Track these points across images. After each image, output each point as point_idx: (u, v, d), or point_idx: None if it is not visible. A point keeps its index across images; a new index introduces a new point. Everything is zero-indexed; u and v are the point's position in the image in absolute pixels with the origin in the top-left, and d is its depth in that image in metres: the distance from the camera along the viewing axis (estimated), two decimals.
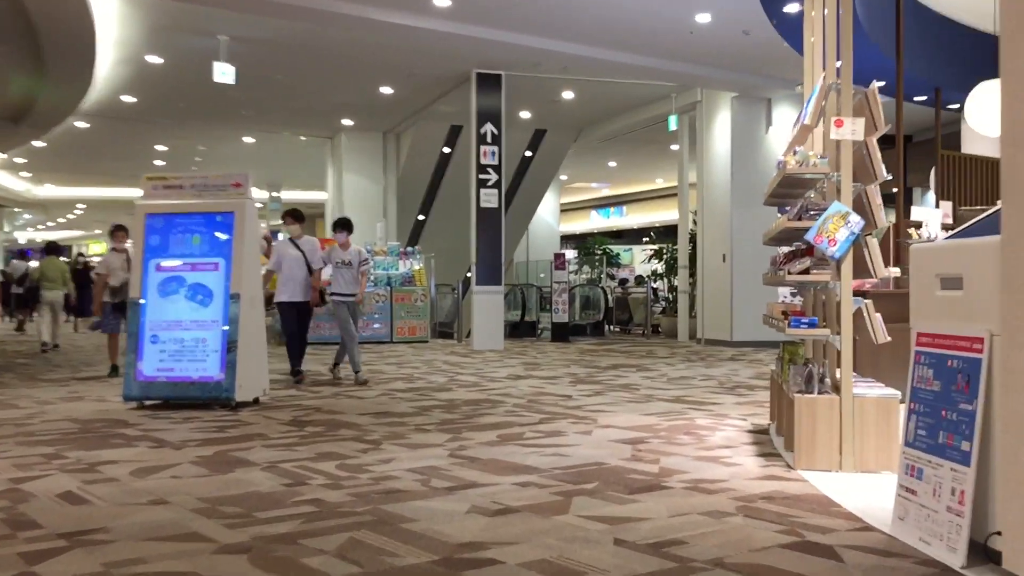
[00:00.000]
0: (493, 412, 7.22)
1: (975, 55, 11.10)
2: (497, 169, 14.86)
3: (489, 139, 14.86)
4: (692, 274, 17.16)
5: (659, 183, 29.11)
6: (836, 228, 4.77)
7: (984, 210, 10.70)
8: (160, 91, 16.11)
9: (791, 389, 5.06)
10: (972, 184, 11.21)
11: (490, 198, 14.86)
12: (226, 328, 7.40)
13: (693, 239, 17.02)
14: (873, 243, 4.82)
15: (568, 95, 16.67)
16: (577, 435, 6.07)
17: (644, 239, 29.89)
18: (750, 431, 6.26)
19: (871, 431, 4.76)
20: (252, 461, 5.13)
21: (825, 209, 4.83)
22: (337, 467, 4.97)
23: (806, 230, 4.86)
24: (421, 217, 22.12)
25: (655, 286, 20.46)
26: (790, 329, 4.89)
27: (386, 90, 16.26)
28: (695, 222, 16.99)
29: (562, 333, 16.98)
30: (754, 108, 15.21)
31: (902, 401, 4.04)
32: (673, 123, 16.46)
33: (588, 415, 7.01)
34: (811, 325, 4.89)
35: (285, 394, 8.45)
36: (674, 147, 19.61)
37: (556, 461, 5.11)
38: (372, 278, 16.39)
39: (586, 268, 24.02)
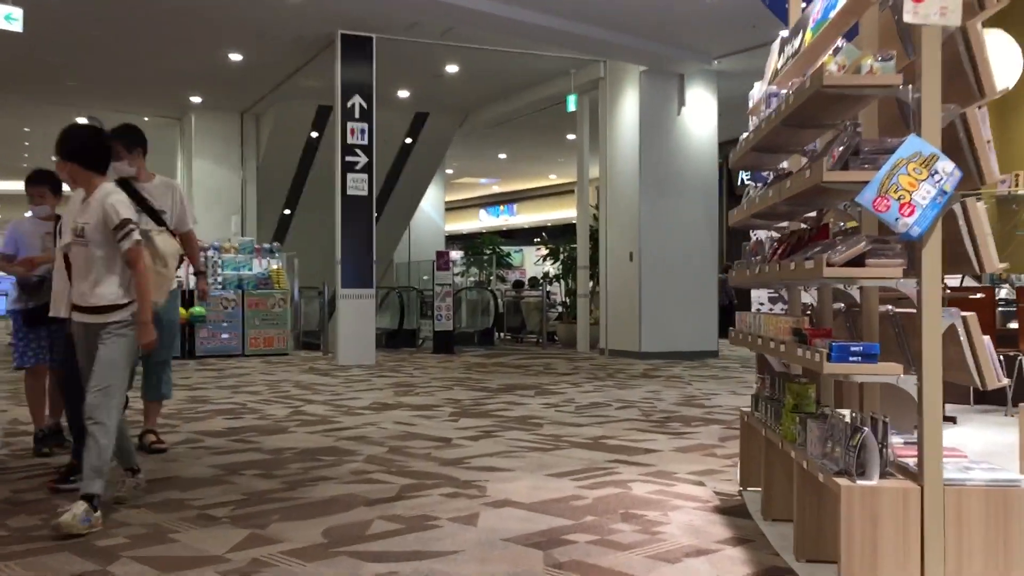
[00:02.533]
0: (334, 475, 4.88)
1: None
2: (367, 150, 12.47)
3: (357, 114, 12.46)
4: (593, 275, 15.15)
5: (552, 179, 27.20)
6: (914, 183, 2.66)
7: None
8: None
9: (821, 466, 2.94)
10: None
11: (359, 184, 12.45)
12: None
13: (594, 236, 15.00)
14: (978, 211, 2.74)
15: (452, 68, 14.41)
16: (455, 526, 3.80)
17: (536, 239, 27.92)
18: (719, 508, 4.12)
19: (977, 546, 2.66)
20: None
21: (893, 151, 2.71)
22: None
23: (855, 189, 2.73)
24: (287, 211, 19.49)
25: (550, 289, 18.39)
26: (832, 364, 2.74)
27: (235, 56, 13.64)
28: (596, 217, 14.99)
29: (445, 343, 14.68)
30: (665, 85, 13.26)
31: None
32: (572, 103, 14.40)
33: (473, 479, 4.76)
34: (868, 357, 2.74)
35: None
36: (571, 136, 17.63)
37: None
38: (218, 280, 13.75)
39: (474, 270, 21.81)
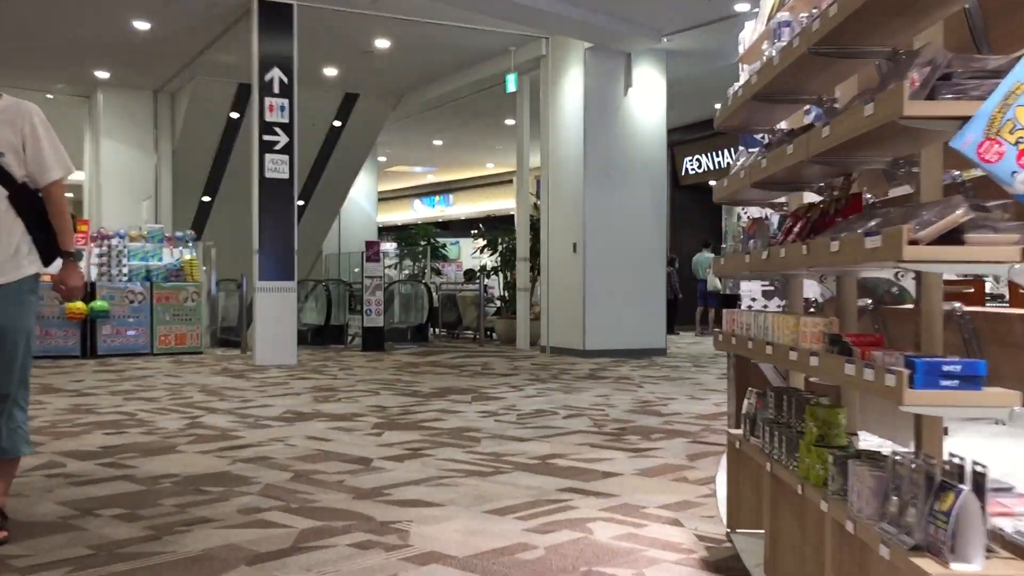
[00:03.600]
0: (216, 515, 3.86)
1: None
2: (287, 129, 11.36)
3: (277, 89, 11.34)
4: (534, 268, 14.25)
5: (490, 167, 26.24)
6: None
7: None
8: None
9: (883, 534, 2.04)
10: None
11: (279, 166, 11.34)
12: None
13: (535, 227, 14.09)
14: None
15: (383, 44, 13.35)
16: None
17: (473, 231, 26.97)
18: (706, 561, 3.23)
19: None
20: None
21: (1003, 74, 1.83)
22: None
23: (948, 129, 1.84)
24: (207, 199, 18.19)
25: (488, 283, 17.43)
26: (917, 392, 1.84)
27: (141, 24, 12.38)
28: (537, 207, 14.08)
29: (376, 340, 13.63)
30: (611, 64, 12.40)
31: None
32: (512, 83, 13.45)
33: (393, 519, 3.79)
34: (970, 381, 1.84)
35: None
36: (509, 122, 16.70)
37: None
38: (123, 271, 12.50)
39: (407, 262, 20.75)
